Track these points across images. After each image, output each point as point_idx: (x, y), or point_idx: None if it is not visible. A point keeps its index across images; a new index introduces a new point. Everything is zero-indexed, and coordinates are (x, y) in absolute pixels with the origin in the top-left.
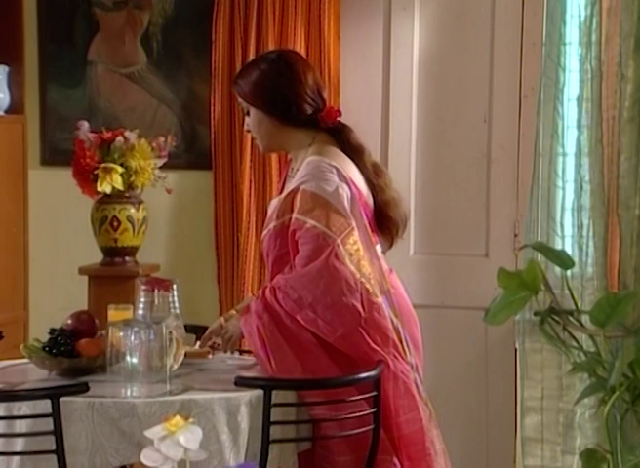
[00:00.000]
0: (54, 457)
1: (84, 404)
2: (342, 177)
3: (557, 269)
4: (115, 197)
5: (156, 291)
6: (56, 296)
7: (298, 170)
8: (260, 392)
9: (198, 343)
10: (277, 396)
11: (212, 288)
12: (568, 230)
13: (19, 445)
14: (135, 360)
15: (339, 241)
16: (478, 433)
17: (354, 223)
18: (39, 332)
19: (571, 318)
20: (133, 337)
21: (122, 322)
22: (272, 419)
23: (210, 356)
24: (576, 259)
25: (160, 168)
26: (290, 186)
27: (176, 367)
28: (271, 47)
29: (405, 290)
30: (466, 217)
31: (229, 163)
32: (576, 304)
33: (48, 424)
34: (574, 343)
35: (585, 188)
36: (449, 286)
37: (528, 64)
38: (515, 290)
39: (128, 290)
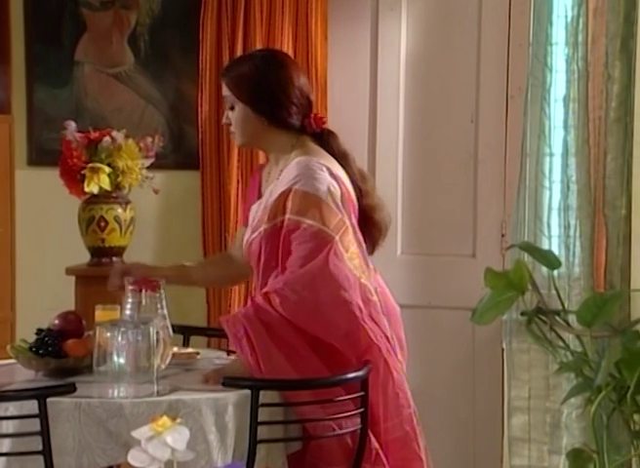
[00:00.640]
0: (41, 458)
1: (71, 404)
2: (333, 176)
3: (544, 269)
4: (102, 197)
5: (143, 291)
6: (43, 297)
7: (282, 170)
8: (247, 392)
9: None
10: (265, 396)
11: (199, 288)
12: (555, 230)
13: (5, 445)
14: (122, 360)
15: (337, 238)
16: (465, 433)
17: (348, 221)
18: (26, 333)
19: (557, 318)
20: (120, 338)
21: (109, 322)
22: (260, 419)
23: (198, 357)
24: (562, 259)
25: (147, 168)
26: (277, 189)
27: (163, 367)
28: (259, 47)
29: (390, 290)
30: (454, 218)
31: (217, 163)
32: (562, 304)
33: (35, 425)
34: (560, 343)
35: (572, 188)
36: (436, 286)
37: (515, 65)
38: (502, 290)
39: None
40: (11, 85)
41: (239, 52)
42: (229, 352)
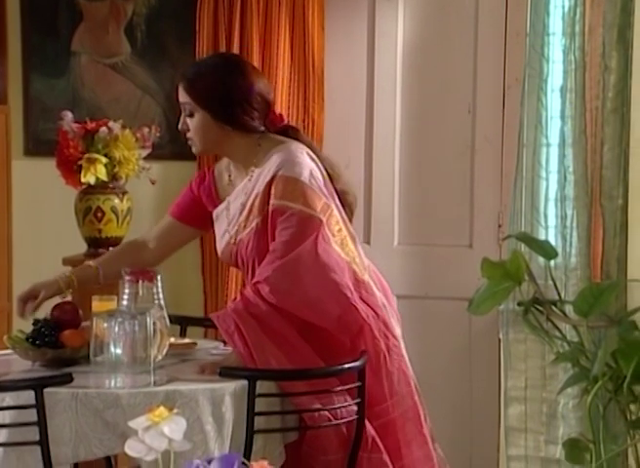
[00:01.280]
0: (37, 448)
1: (68, 394)
2: (312, 160)
3: (541, 259)
4: (99, 188)
5: (140, 281)
6: None
7: (254, 170)
8: (244, 382)
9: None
10: (262, 386)
11: (196, 278)
12: (551, 221)
13: (2, 436)
14: (119, 351)
15: (324, 221)
16: (462, 423)
17: (332, 204)
18: (23, 323)
19: (554, 308)
20: (117, 328)
21: (106, 313)
22: (257, 410)
23: (195, 347)
24: (559, 250)
25: (144, 158)
26: (262, 181)
27: (160, 357)
28: (256, 37)
29: (387, 281)
30: (450, 208)
31: (213, 154)
32: (559, 294)
33: (32, 415)
34: (557, 333)
35: (569, 179)
36: (433, 276)
37: (512, 55)
38: (499, 280)
39: None
40: (7, 75)
41: (236, 42)
42: (226, 342)
